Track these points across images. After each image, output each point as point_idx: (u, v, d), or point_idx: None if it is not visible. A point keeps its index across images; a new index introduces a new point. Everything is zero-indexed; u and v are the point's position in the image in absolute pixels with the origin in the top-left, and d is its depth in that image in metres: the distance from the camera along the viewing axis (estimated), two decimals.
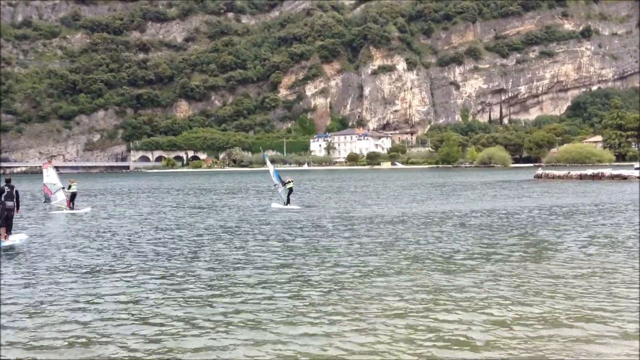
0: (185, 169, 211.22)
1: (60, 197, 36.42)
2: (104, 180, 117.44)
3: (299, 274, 14.89)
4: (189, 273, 15.27)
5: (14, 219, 21.97)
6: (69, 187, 37.01)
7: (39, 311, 11.72)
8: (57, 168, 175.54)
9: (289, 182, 36.36)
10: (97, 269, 16.14)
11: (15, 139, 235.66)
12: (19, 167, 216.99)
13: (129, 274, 15.25)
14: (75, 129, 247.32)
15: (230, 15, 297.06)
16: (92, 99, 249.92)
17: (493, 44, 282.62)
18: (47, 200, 36.44)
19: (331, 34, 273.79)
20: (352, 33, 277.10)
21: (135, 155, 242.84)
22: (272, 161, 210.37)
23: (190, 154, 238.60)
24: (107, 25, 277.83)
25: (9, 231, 21.38)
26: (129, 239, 22.33)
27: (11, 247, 20.54)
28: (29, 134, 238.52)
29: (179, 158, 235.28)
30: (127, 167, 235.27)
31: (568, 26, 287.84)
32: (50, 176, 36.41)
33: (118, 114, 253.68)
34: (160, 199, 49.15)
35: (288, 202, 36.31)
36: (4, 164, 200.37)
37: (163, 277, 14.78)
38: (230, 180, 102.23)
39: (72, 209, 36.42)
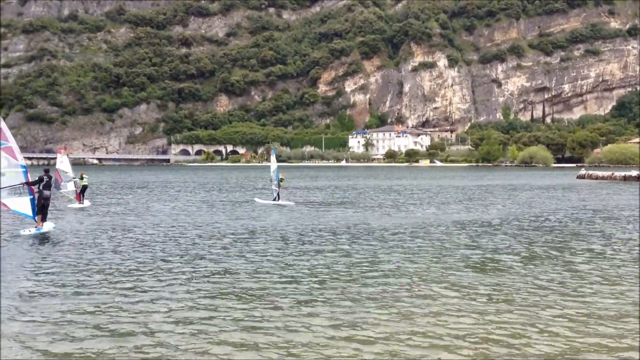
0: (224, 163, 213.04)
1: (71, 188, 35.59)
2: (143, 172, 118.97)
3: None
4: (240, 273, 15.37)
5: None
6: (81, 178, 35.66)
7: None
8: (100, 160, 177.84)
9: (281, 179, 37.37)
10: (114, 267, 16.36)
11: (60, 131, 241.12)
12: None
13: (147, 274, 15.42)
14: (118, 122, 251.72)
15: (271, 10, 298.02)
16: (135, 93, 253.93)
17: (537, 41, 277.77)
18: (57, 187, 33.93)
19: (372, 30, 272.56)
20: (393, 29, 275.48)
21: (175, 149, 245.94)
22: (311, 157, 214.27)
23: (230, 148, 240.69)
24: (151, 20, 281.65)
25: (44, 219, 22.25)
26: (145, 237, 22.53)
27: (46, 234, 21.48)
28: (73, 126, 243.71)
29: (218, 152, 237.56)
30: (168, 160, 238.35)
31: (614, 24, 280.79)
32: (63, 163, 35.70)
33: (160, 107, 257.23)
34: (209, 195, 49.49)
35: (278, 197, 37.05)
36: (48, 155, 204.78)
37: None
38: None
39: (81, 202, 35.14)
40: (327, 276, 14.43)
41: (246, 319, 10.77)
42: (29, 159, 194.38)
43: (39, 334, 9.85)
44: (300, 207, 34.04)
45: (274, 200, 37.04)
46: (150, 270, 15.16)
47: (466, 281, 13.93)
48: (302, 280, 14.01)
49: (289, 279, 14.08)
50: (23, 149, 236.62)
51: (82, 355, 8.98)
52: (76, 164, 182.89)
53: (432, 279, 14.21)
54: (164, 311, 11.26)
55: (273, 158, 39.71)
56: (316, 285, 13.42)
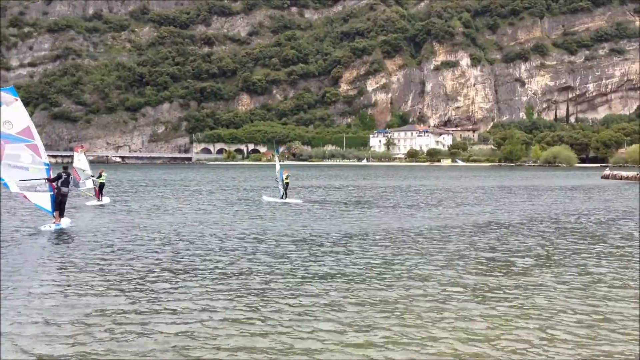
0: (245, 162, 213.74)
1: (89, 185, 35.82)
2: (165, 171, 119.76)
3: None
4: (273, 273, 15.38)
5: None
6: (99, 176, 35.82)
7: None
8: (123, 158, 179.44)
9: (287, 176, 38.33)
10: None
11: (84, 129, 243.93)
12: (87, 156, 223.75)
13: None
14: (141, 121, 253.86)
15: (293, 9, 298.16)
16: (158, 92, 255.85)
17: (561, 40, 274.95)
18: (76, 185, 34.18)
19: (394, 29, 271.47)
20: (416, 28, 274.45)
21: (197, 147, 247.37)
22: (332, 156, 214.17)
23: (251, 147, 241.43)
24: (174, 19, 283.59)
25: (61, 215, 23.00)
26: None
27: (63, 230, 22.14)
28: (97, 125, 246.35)
29: (239, 151, 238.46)
30: (190, 159, 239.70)
31: None
32: (80, 161, 35.77)
33: (182, 106, 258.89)
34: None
35: (285, 195, 37.75)
36: (72, 153, 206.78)
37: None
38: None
39: (100, 200, 35.33)
40: (337, 279, 14.35)
41: (257, 322, 10.77)
42: (53, 156, 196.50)
43: (40, 334, 9.88)
44: (315, 207, 33.95)
45: (281, 198, 37.65)
46: (161, 270, 15.21)
47: (482, 284, 13.82)
48: (311, 281, 13.99)
49: (299, 280, 14.06)
50: (47, 146, 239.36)
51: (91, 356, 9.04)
52: (100, 162, 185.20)
53: (447, 281, 14.11)
54: (173, 310, 11.28)
55: (277, 160, 41.54)
56: (326, 287, 13.38)
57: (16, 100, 21.53)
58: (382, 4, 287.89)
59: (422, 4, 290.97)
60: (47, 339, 9.50)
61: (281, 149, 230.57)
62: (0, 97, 21.17)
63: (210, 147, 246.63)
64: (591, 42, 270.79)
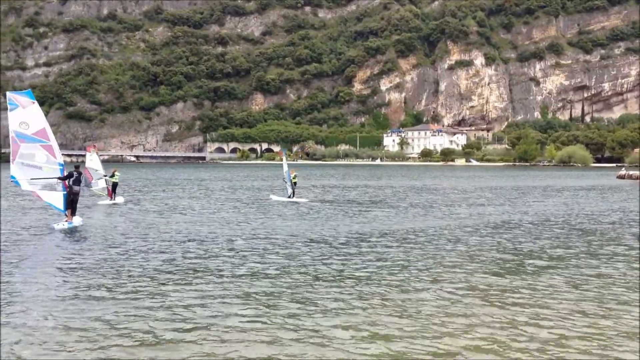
0: (259, 161, 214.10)
1: (101, 185, 35.95)
2: (178, 170, 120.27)
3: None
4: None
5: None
6: (112, 175, 36.18)
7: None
8: (137, 157, 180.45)
9: (294, 176, 38.99)
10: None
11: (99, 129, 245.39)
12: (101, 155, 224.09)
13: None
14: (155, 120, 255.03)
15: (307, 9, 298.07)
16: (172, 91, 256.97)
17: (576, 39, 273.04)
18: (88, 185, 33.40)
19: (408, 28, 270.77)
20: (430, 27, 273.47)
21: (211, 147, 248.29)
22: (345, 155, 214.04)
23: (264, 146, 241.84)
24: (188, 19, 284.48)
25: (73, 213, 23.54)
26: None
27: (76, 228, 22.74)
28: (111, 124, 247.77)
29: (253, 150, 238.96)
30: (204, 158, 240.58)
31: None
32: (93, 161, 35.77)
33: (196, 105, 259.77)
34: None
35: (293, 195, 38.29)
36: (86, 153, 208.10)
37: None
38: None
39: (112, 199, 35.53)
40: (347, 280, 14.33)
41: (269, 323, 10.74)
42: (68, 155, 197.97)
43: (49, 337, 9.91)
44: (326, 207, 33.92)
45: (289, 197, 38.09)
46: (170, 271, 15.25)
47: (495, 286, 13.71)
48: (320, 282, 13.96)
49: (309, 281, 14.02)
50: (62, 146, 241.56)
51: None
52: (114, 161, 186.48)
53: (457, 283, 14.01)
54: (184, 314, 11.28)
55: (284, 161, 41.85)
56: (336, 289, 13.34)
57: (33, 103, 22.51)
58: (396, 3, 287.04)
59: (436, 3, 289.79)
60: (57, 341, 9.52)
61: (295, 148, 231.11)
62: (18, 100, 22.19)
63: (224, 147, 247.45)
64: (607, 41, 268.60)
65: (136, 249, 18.03)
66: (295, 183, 38.97)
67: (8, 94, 22.41)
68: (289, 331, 9.98)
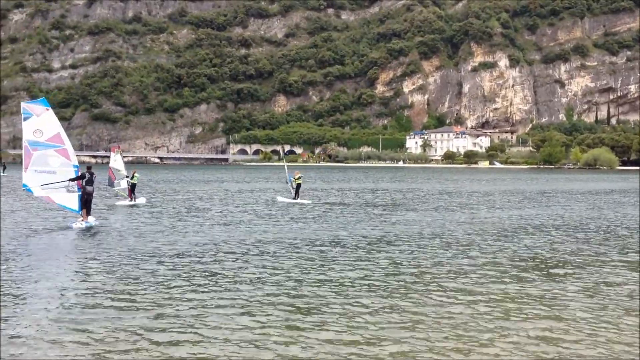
0: (281, 163, 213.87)
1: (124, 185, 36.49)
2: (201, 172, 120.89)
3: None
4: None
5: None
6: (132, 177, 36.22)
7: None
8: (161, 159, 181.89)
9: (299, 177, 38.83)
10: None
11: (124, 130, 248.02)
12: (125, 156, 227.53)
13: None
14: (179, 122, 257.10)
15: (330, 11, 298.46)
16: (196, 93, 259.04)
17: (602, 40, 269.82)
18: (111, 184, 36.58)
19: (431, 30, 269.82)
20: (453, 29, 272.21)
21: (234, 148, 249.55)
22: (368, 157, 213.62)
23: (287, 148, 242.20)
24: (212, 22, 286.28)
25: (88, 213, 23.96)
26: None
27: (91, 227, 23.19)
28: (136, 126, 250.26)
29: (275, 152, 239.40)
30: (226, 160, 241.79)
31: None
32: (117, 162, 36.50)
33: (219, 107, 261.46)
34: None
35: (297, 196, 38.60)
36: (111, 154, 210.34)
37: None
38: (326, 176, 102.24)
39: (132, 200, 35.76)
40: (357, 285, 14.24)
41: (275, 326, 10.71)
42: (93, 157, 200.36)
43: (58, 339, 9.95)
44: (335, 210, 33.82)
45: (293, 198, 38.45)
46: (184, 273, 15.28)
47: (511, 291, 13.55)
48: (329, 285, 13.89)
49: (316, 285, 13.96)
50: (88, 147, 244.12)
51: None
52: (139, 162, 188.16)
53: (470, 288, 13.87)
54: (193, 323, 11.27)
55: (285, 163, 43.61)
56: (345, 293, 13.27)
57: (47, 110, 23.04)
58: (419, 5, 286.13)
59: (460, 4, 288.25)
60: (58, 341, 9.54)
61: (317, 150, 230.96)
62: (32, 109, 22.82)
63: (247, 148, 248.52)
64: (633, 42, 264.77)
65: (146, 252, 17.99)
66: (299, 184, 39.02)
67: (23, 104, 23.16)
68: (308, 338, 9.91)
